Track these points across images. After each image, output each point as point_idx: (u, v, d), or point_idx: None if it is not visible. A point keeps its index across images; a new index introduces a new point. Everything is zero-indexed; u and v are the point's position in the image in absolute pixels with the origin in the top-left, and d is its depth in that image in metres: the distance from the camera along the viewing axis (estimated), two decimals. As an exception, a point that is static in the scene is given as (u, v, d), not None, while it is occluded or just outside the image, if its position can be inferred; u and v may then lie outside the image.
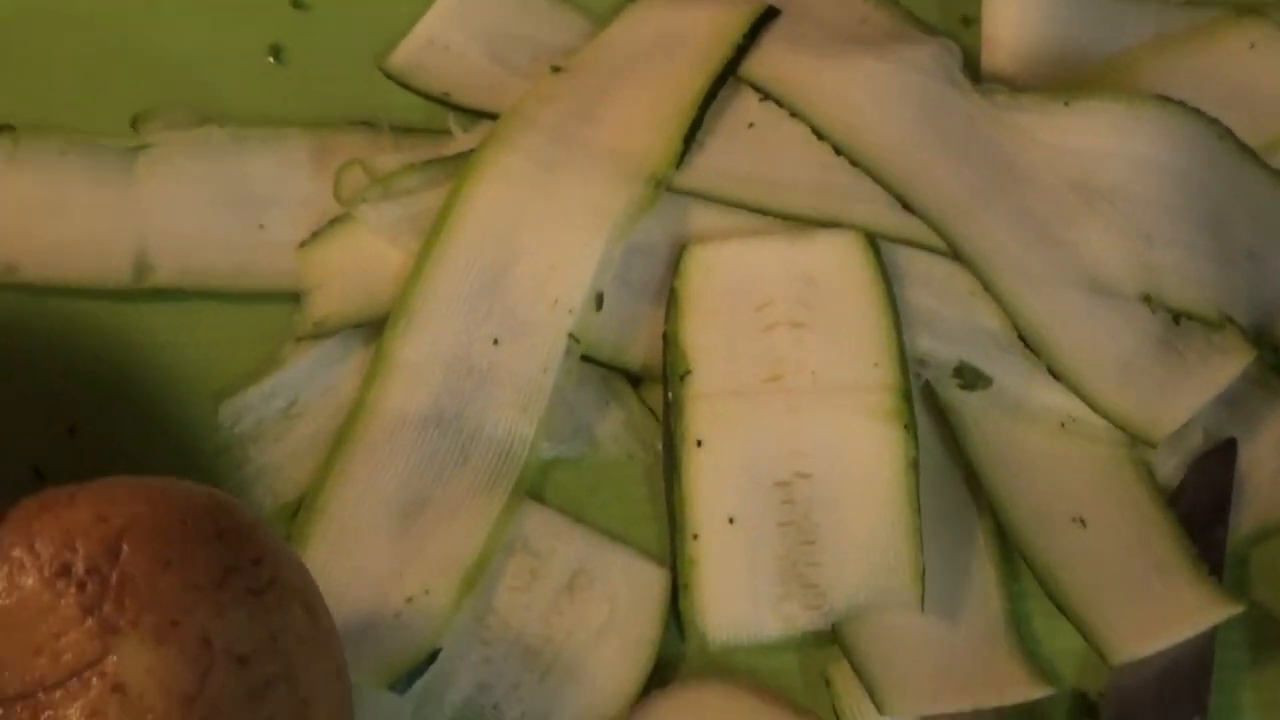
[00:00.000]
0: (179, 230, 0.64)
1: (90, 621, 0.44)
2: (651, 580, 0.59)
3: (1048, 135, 0.63)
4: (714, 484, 0.58)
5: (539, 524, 0.59)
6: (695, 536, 0.58)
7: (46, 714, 0.43)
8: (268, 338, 0.63)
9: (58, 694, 0.44)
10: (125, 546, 0.45)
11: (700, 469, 0.58)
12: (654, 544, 0.60)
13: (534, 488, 0.61)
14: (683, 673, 0.58)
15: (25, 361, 0.62)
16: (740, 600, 0.57)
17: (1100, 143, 0.63)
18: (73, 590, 0.45)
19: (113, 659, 0.44)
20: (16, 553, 0.46)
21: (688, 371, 0.59)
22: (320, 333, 0.62)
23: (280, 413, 0.61)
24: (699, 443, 0.58)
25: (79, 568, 0.45)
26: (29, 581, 0.45)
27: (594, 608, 0.58)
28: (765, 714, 0.56)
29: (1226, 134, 0.64)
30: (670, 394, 0.59)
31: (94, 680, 0.43)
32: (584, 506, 0.61)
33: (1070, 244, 0.62)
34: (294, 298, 0.63)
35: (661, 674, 0.57)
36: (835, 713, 0.56)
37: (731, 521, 0.58)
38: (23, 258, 0.63)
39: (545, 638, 0.57)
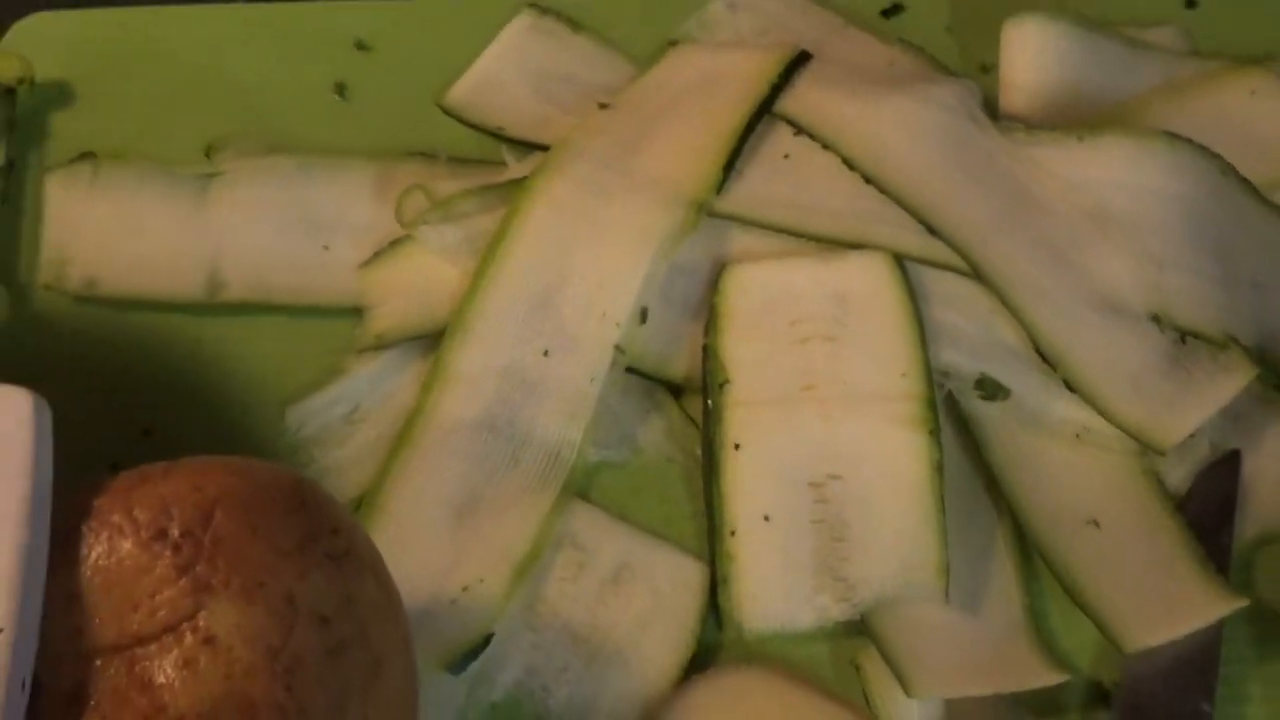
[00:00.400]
0: (249, 250, 0.68)
1: (184, 581, 0.47)
2: (691, 574, 0.62)
3: (1063, 168, 0.67)
4: (751, 484, 0.61)
5: (586, 522, 0.63)
6: (733, 533, 0.61)
7: (142, 664, 0.46)
8: (332, 350, 0.67)
9: (153, 646, 0.47)
10: (218, 513, 0.49)
11: (738, 470, 0.61)
12: (693, 541, 0.63)
13: (581, 489, 0.64)
14: (721, 659, 0.60)
15: (105, 369, 0.66)
16: (775, 593, 0.60)
17: (1112, 174, 0.67)
18: (168, 552, 0.48)
19: (204, 614, 0.47)
20: (116, 518, 0.49)
21: (726, 381, 0.63)
22: (381, 345, 0.66)
23: (343, 418, 0.65)
24: (737, 446, 0.62)
25: (174, 532, 0.48)
26: (127, 545, 0.48)
27: (637, 599, 0.61)
28: (798, 697, 0.59)
29: (1230, 169, 0.68)
30: (710, 401, 0.63)
31: (187, 634, 0.47)
32: (628, 506, 0.64)
33: (1084, 267, 0.65)
34: (356, 313, 0.67)
35: (701, 660, 0.60)
36: (865, 696, 0.59)
37: (767, 519, 0.61)
38: (103, 273, 0.67)
39: (591, 626, 0.60)
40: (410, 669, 0.52)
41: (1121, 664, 0.60)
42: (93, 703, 0.46)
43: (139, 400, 0.65)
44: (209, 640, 0.47)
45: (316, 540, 0.50)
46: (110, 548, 0.49)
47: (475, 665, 0.59)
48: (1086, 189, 0.67)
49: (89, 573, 0.48)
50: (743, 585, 0.60)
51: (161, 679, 0.46)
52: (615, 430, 0.65)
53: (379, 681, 0.50)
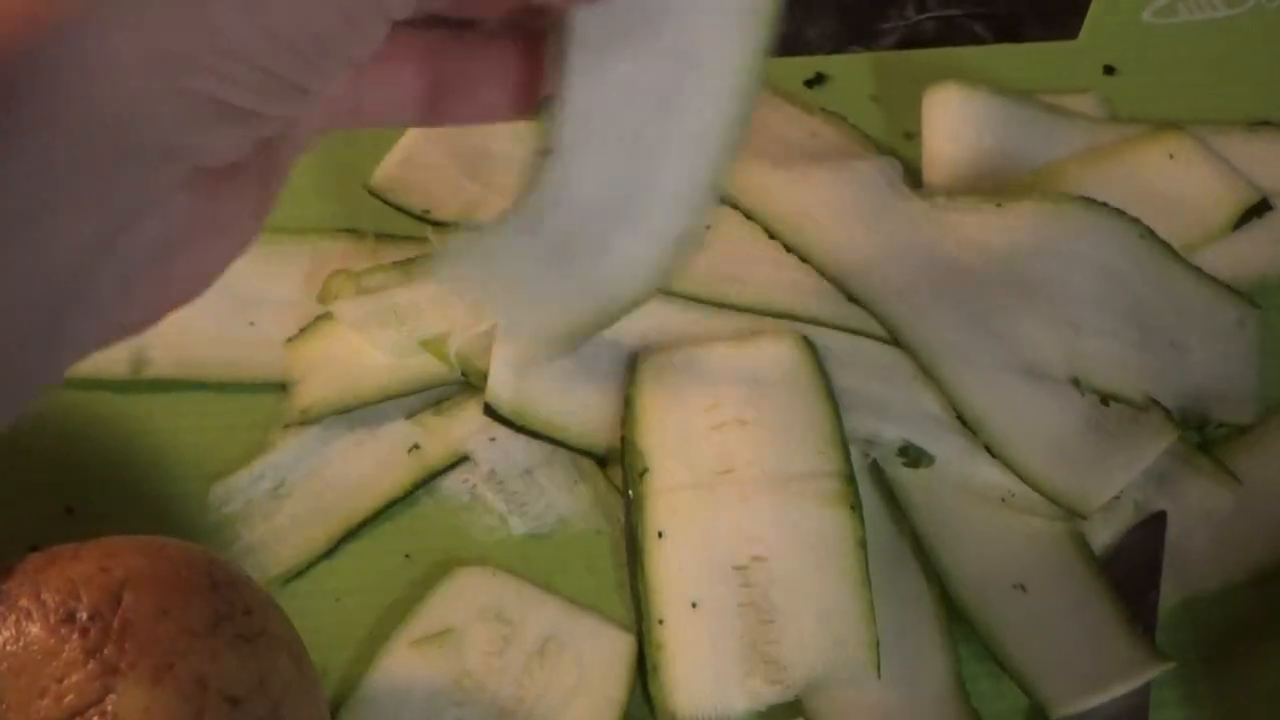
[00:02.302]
0: (174, 327, 0.67)
1: (92, 664, 0.47)
2: (617, 645, 0.61)
3: (983, 234, 0.68)
4: (676, 572, 0.61)
5: (513, 595, 0.62)
6: (661, 622, 0.60)
7: (50, 750, 0.46)
8: (257, 425, 0.66)
9: (60, 732, 0.47)
10: (126, 595, 0.49)
11: (662, 559, 0.61)
12: (620, 611, 0.63)
13: (508, 562, 0.64)
14: (649, 731, 0.60)
15: (28, 446, 0.65)
16: (706, 679, 0.60)
17: (1030, 240, 0.67)
18: (76, 635, 0.48)
19: (112, 698, 0.47)
20: (24, 602, 0.49)
21: (646, 470, 0.62)
22: (306, 420, 0.65)
23: (268, 494, 0.65)
24: (660, 534, 0.61)
25: (83, 615, 0.48)
26: (35, 629, 0.48)
27: (564, 671, 0.60)
28: None
29: (1148, 232, 0.68)
30: (631, 491, 0.63)
31: (95, 719, 0.47)
32: (555, 578, 0.64)
33: (1005, 332, 0.66)
34: (281, 388, 0.67)
35: (628, 734, 0.60)
36: (799, 774, 0.59)
37: (694, 606, 0.60)
38: (28, 353, 0.67)
39: (518, 699, 0.60)
40: (327, 748, 0.52)
41: (1051, 728, 0.60)
42: (-1, 790, 0.46)
43: (61, 479, 0.65)
44: (117, 724, 0.46)
45: (228, 620, 0.50)
46: (18, 632, 0.48)
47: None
48: (1006, 255, 0.67)
49: (-2, 658, 0.48)
50: (674, 673, 0.60)
51: (69, 765, 0.46)
52: (542, 501, 0.65)
53: (294, 762, 0.49)
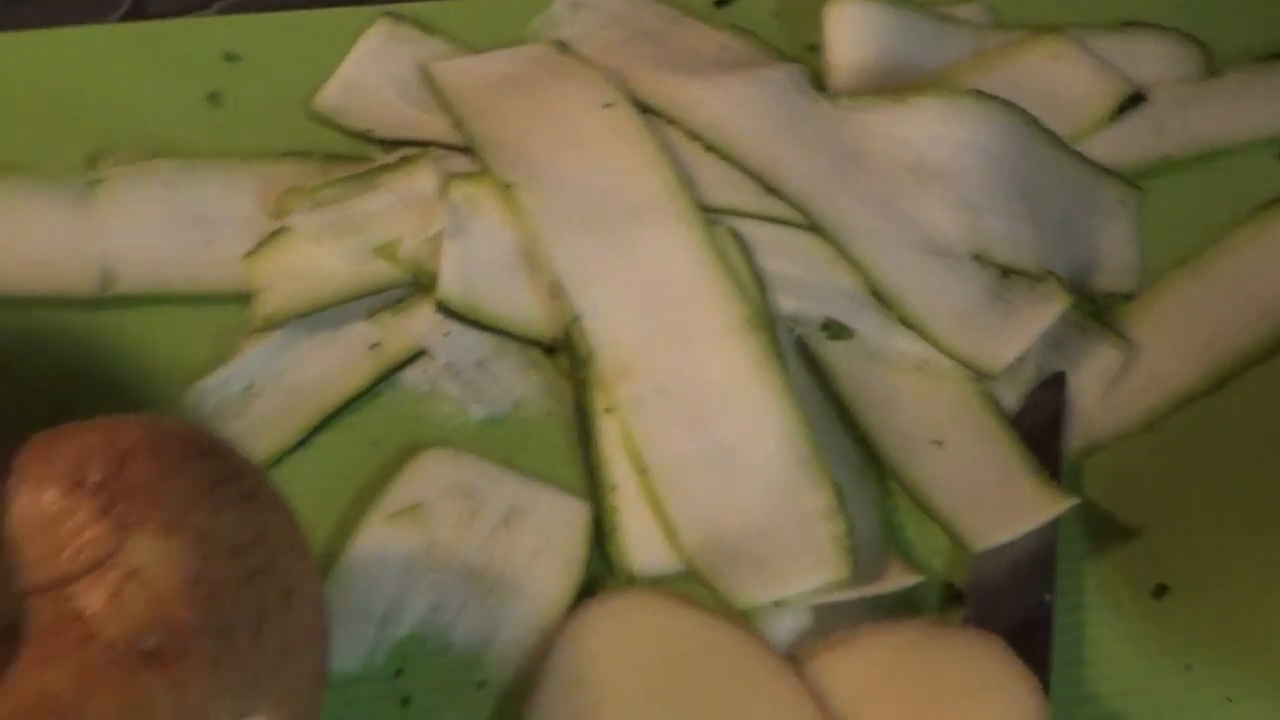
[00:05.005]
0: (137, 246, 0.72)
1: (105, 521, 0.51)
2: (575, 513, 0.66)
3: (885, 128, 0.74)
4: (625, 443, 0.66)
5: (475, 472, 0.67)
6: (614, 488, 0.65)
7: (71, 600, 0.49)
8: (225, 332, 0.70)
9: (80, 584, 0.50)
10: (131, 461, 0.53)
11: (612, 433, 0.66)
12: (576, 483, 0.67)
13: (469, 444, 0.68)
14: (609, 585, 0.65)
15: (9, 362, 0.69)
16: (659, 538, 0.65)
17: (929, 131, 0.73)
18: (88, 498, 0.52)
19: (126, 550, 0.50)
20: (36, 471, 0.53)
21: (591, 354, 0.68)
22: (270, 326, 0.69)
23: (239, 394, 0.68)
24: (608, 410, 0.67)
25: (93, 479, 0.52)
26: (48, 495, 0.52)
27: (528, 538, 0.65)
28: (681, 611, 0.62)
29: (1033, 121, 0.75)
30: (578, 374, 0.68)
31: (112, 569, 0.50)
32: (514, 456, 0.68)
33: (910, 215, 0.71)
34: (245, 298, 0.71)
35: (590, 589, 0.64)
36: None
37: (645, 471, 0.66)
38: (-2, 276, 0.70)
39: (486, 564, 0.64)
40: (319, 603, 0.56)
41: (970, 566, 0.65)
42: (28, 637, 0.49)
43: (46, 389, 0.68)
44: (133, 573, 0.50)
45: (224, 482, 0.54)
46: (33, 499, 0.52)
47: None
48: (907, 145, 0.73)
49: (16, 523, 0.51)
50: (628, 535, 0.65)
51: (91, 610, 0.49)
52: (496, 388, 0.70)
53: (291, 609, 0.53)
